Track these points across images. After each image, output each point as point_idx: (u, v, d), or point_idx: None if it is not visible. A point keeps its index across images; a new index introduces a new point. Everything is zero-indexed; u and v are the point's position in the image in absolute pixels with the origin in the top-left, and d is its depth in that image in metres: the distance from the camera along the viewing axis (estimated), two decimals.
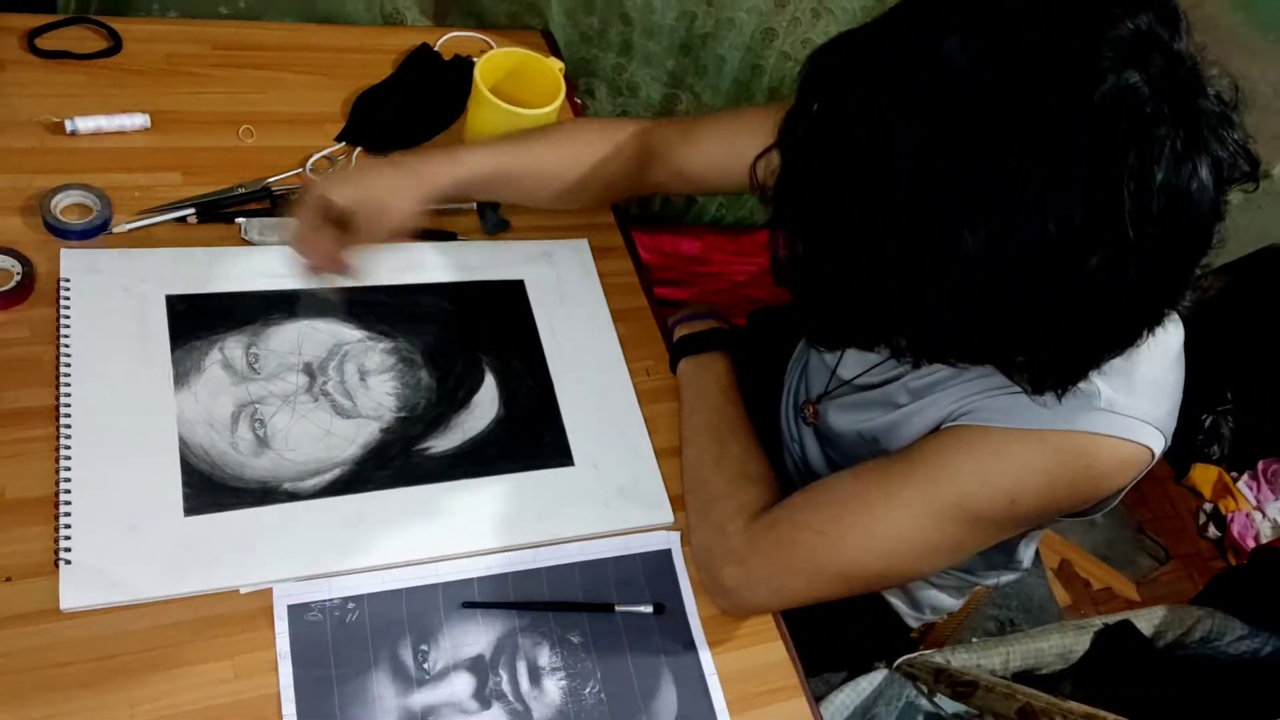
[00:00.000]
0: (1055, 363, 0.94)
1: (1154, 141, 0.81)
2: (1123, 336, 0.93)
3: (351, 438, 1.23)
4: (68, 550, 1.06)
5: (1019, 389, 1.02)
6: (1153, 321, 0.92)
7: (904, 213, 0.86)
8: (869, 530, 1.12)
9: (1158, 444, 1.05)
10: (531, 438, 1.31)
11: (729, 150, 1.38)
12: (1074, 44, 0.82)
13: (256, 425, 1.21)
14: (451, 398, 1.31)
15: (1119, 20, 0.82)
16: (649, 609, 1.20)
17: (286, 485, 1.17)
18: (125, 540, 1.09)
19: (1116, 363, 1.01)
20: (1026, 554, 1.47)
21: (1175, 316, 1.10)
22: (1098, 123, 0.80)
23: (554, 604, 1.18)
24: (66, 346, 1.19)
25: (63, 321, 1.20)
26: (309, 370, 1.27)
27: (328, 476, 1.20)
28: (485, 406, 1.31)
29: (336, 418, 1.24)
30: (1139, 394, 1.05)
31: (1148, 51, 0.82)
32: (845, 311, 0.98)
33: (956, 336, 0.93)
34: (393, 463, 1.23)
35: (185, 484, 1.14)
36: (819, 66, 0.93)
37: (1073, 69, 0.81)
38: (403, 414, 1.27)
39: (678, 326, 1.47)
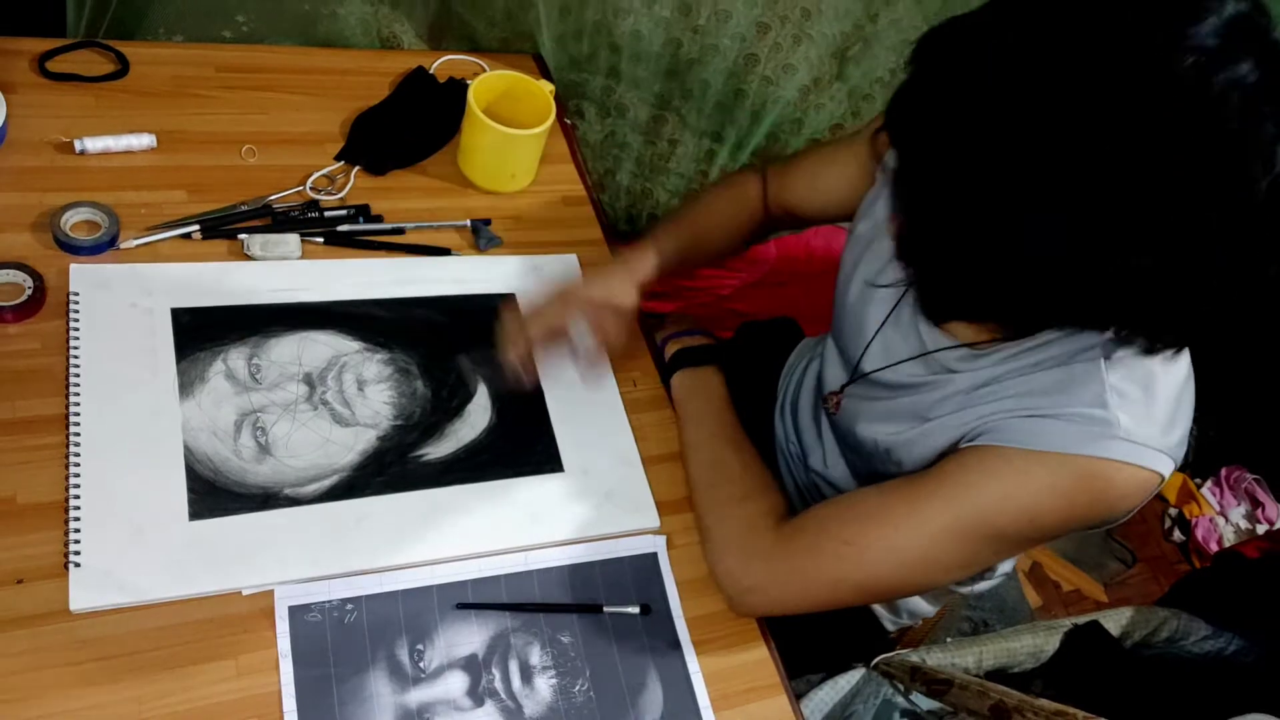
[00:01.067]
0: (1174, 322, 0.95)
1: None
2: (1229, 302, 0.93)
3: (350, 445, 1.24)
4: (77, 554, 1.06)
5: (1042, 412, 1.07)
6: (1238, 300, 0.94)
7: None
8: (892, 544, 1.13)
9: (1167, 469, 1.06)
10: (523, 445, 1.32)
11: (811, 185, 1.48)
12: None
13: (258, 433, 1.21)
14: (446, 407, 1.31)
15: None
16: (635, 610, 1.21)
17: (287, 491, 1.18)
18: (132, 544, 1.09)
19: (1133, 393, 1.05)
20: (1005, 564, 1.49)
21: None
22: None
23: (545, 605, 1.19)
24: (76, 358, 1.19)
25: (72, 334, 1.21)
26: (309, 380, 1.28)
27: (327, 482, 1.20)
28: (478, 415, 1.32)
29: (335, 426, 1.25)
30: (1155, 423, 1.06)
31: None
32: (979, 280, 0.97)
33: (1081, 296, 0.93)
34: (389, 469, 1.24)
35: (190, 489, 1.14)
36: (944, 41, 0.94)
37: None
38: (399, 422, 1.28)
39: (668, 342, 1.49)
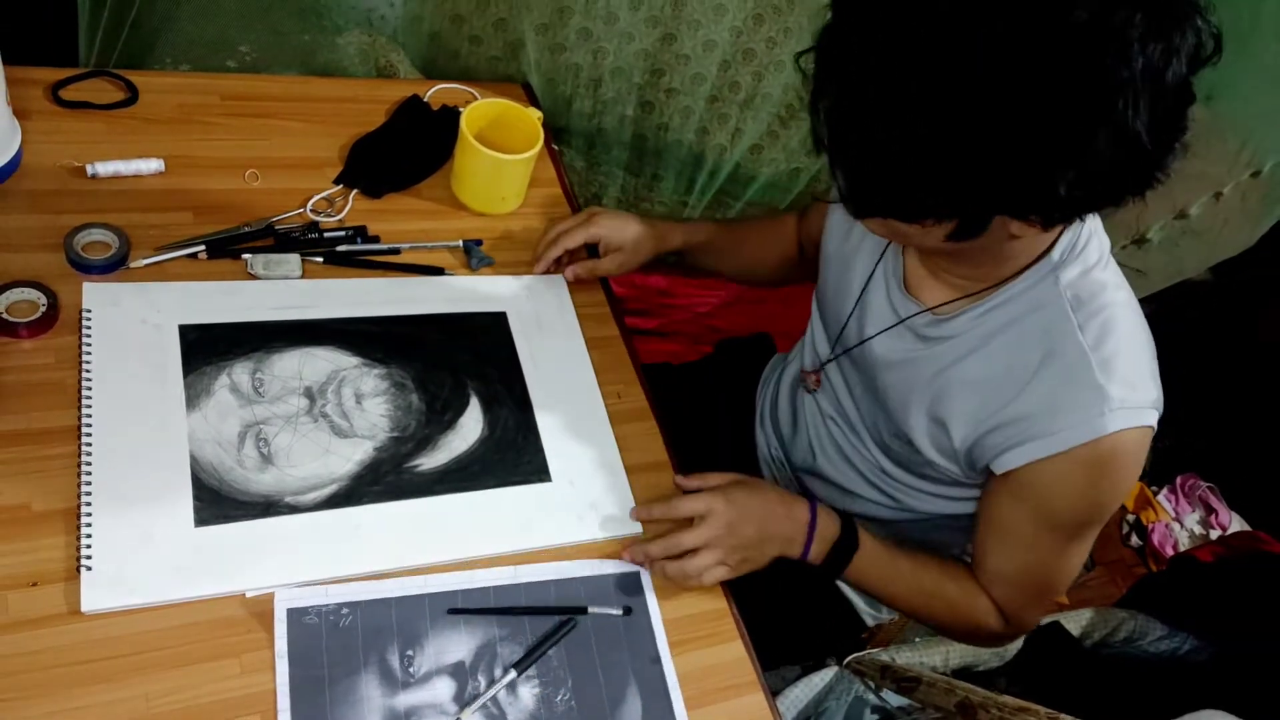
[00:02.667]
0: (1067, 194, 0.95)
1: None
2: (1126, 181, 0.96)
3: (348, 455, 1.25)
4: (88, 557, 1.07)
5: (1049, 407, 1.14)
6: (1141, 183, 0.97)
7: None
8: (1061, 571, 1.28)
9: (1154, 420, 1.15)
10: (512, 456, 1.32)
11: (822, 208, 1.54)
12: None
13: (261, 444, 1.22)
14: (439, 420, 1.32)
15: None
16: (618, 611, 1.22)
17: (288, 499, 1.19)
18: (141, 548, 1.10)
19: (1111, 357, 1.12)
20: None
21: (1126, 287, 1.19)
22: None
23: (532, 609, 1.19)
24: (88, 372, 1.20)
25: (84, 349, 1.22)
26: (309, 394, 1.28)
27: (326, 491, 1.21)
28: (470, 427, 1.33)
29: (334, 437, 1.26)
30: (1138, 387, 1.13)
31: None
32: (898, 161, 0.96)
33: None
34: (385, 479, 1.25)
35: (196, 497, 1.15)
36: None
37: None
38: (395, 434, 1.29)
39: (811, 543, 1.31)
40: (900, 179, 0.96)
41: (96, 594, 1.06)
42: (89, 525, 1.09)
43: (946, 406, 1.24)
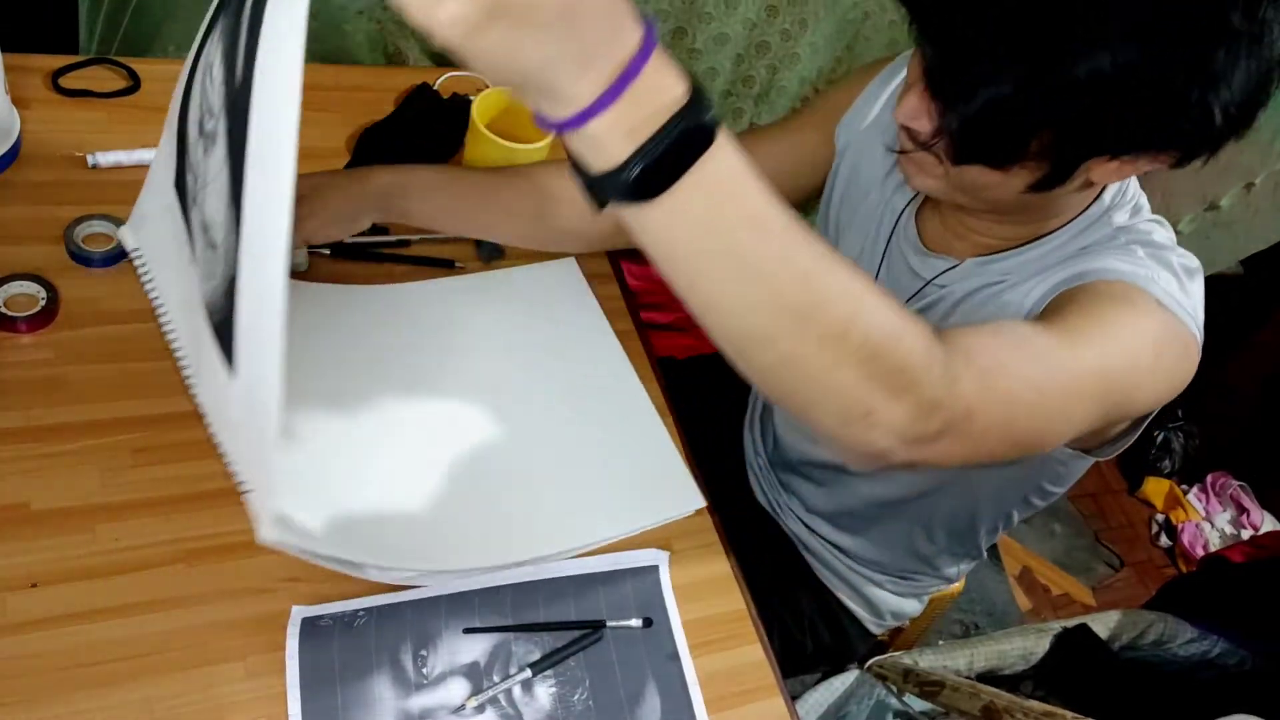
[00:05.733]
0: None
1: None
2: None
3: None
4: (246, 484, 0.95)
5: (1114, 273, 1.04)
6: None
7: None
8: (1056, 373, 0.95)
9: (1196, 332, 1.05)
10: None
11: (752, 157, 1.40)
12: None
13: None
14: None
15: None
16: (638, 623, 1.21)
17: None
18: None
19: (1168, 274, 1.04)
20: (985, 542, 1.48)
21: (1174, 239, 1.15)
22: None
23: (550, 625, 1.18)
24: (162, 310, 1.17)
25: (149, 290, 1.18)
26: None
27: None
28: None
29: None
30: (1188, 296, 1.06)
31: None
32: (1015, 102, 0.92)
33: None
34: None
35: None
36: None
37: None
38: None
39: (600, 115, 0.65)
40: (1038, 114, 0.93)
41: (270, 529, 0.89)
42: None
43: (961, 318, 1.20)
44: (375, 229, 1.46)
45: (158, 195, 1.13)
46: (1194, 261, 1.11)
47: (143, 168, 1.41)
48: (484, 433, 1.30)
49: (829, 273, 0.72)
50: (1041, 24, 0.88)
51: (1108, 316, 1.00)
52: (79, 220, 1.31)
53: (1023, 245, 1.17)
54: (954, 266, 1.22)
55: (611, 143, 0.65)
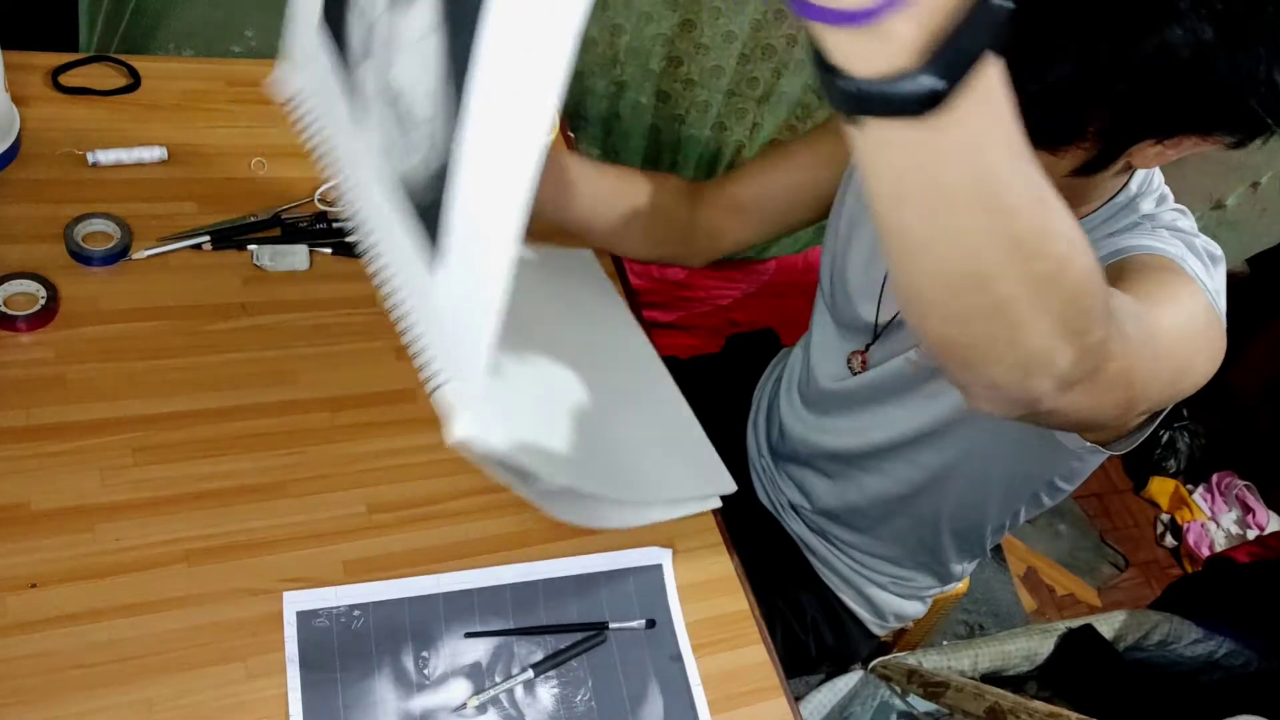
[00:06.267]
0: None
1: None
2: None
3: None
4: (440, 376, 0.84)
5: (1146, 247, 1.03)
6: None
7: None
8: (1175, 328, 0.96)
9: (1220, 308, 1.04)
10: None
11: (764, 178, 1.41)
12: None
13: None
14: None
15: None
16: (640, 624, 1.20)
17: None
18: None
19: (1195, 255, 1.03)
20: (991, 541, 1.48)
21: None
22: None
23: (552, 628, 1.17)
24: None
25: (315, 145, 1.04)
26: None
27: None
28: None
29: None
30: (1214, 276, 1.05)
31: None
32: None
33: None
34: None
35: None
36: None
37: None
38: None
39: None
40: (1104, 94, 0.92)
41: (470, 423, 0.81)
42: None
43: None
44: None
45: (305, 33, 1.01)
46: (1217, 250, 1.11)
47: (143, 166, 1.41)
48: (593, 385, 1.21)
49: (1057, 207, 0.65)
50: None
51: (1165, 283, 0.98)
52: (79, 219, 1.31)
53: None
54: None
55: (905, 43, 0.53)
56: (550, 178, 1.29)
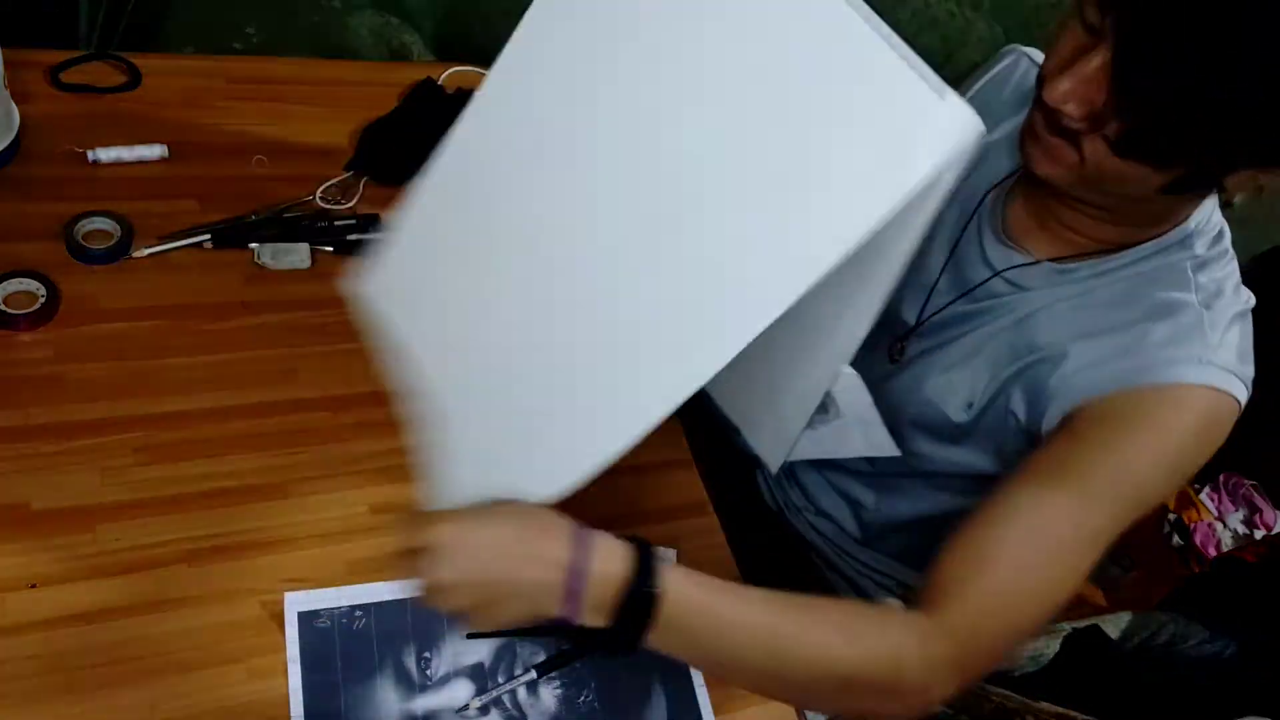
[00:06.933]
0: None
1: None
2: None
3: None
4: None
5: (1146, 339, 1.05)
6: None
7: None
8: (1065, 564, 0.99)
9: (1244, 399, 1.06)
10: None
11: None
12: None
13: None
14: None
15: None
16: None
17: None
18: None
19: (1228, 333, 1.06)
20: None
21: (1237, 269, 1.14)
22: None
23: (556, 629, 1.15)
24: None
25: None
26: None
27: None
28: None
29: None
30: (1244, 359, 1.07)
31: None
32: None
33: None
34: None
35: None
36: None
37: None
38: None
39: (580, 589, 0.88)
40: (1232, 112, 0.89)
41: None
42: None
43: (1015, 351, 1.16)
44: (377, 227, 1.46)
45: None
46: (1251, 299, 1.12)
47: (143, 164, 1.41)
48: None
49: (795, 641, 0.90)
50: (1245, 7, 0.83)
51: (1145, 450, 1.02)
52: (79, 217, 1.31)
53: (1105, 253, 1.13)
54: (1028, 264, 1.18)
55: (595, 622, 0.88)
56: None
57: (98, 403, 1.19)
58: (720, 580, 0.92)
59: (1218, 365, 1.04)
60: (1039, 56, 1.26)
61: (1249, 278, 1.15)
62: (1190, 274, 1.10)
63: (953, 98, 0.68)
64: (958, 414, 1.22)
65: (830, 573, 1.56)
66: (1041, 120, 1.01)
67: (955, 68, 1.92)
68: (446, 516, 0.89)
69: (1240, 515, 2.93)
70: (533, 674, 1.12)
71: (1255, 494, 2.95)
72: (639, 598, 0.87)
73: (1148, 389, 1.04)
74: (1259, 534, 2.88)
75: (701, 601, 0.90)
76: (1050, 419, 1.11)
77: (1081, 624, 1.74)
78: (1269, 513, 2.91)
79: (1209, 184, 0.99)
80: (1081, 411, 1.07)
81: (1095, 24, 0.92)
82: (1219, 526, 2.90)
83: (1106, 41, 0.91)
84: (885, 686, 0.91)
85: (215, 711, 1.03)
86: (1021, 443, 1.17)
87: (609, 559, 0.88)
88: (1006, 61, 1.28)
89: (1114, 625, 1.79)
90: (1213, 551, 2.84)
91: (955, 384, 1.23)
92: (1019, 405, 1.15)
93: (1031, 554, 0.98)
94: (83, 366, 1.22)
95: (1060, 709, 1.34)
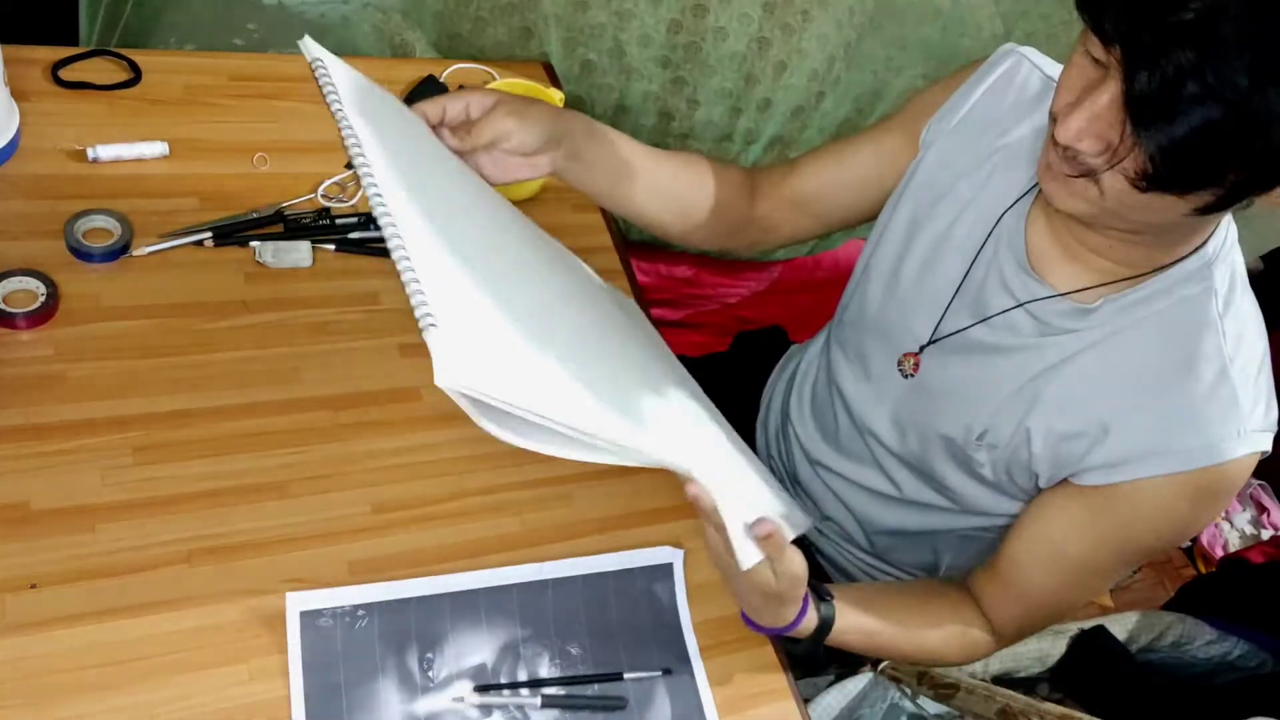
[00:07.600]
0: None
1: None
2: None
3: None
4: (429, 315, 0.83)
5: (1172, 417, 1.08)
6: None
7: None
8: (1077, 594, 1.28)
9: (1269, 445, 1.10)
10: None
11: (839, 167, 1.38)
12: None
13: None
14: None
15: None
16: (658, 674, 1.18)
17: None
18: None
19: (1254, 381, 1.09)
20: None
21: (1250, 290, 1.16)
22: None
23: (565, 679, 1.15)
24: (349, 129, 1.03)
25: (330, 101, 1.04)
26: None
27: None
28: None
29: None
30: (1270, 407, 1.10)
31: None
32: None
33: None
34: None
35: None
36: None
37: None
38: None
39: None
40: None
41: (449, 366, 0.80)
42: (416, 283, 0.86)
43: (1041, 405, 1.16)
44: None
45: None
46: (1262, 332, 1.13)
47: (144, 162, 1.41)
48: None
49: (913, 650, 1.32)
50: (1260, 38, 0.82)
51: (1182, 519, 1.14)
52: (79, 215, 1.31)
53: (1129, 280, 1.12)
54: (1051, 297, 1.16)
55: (799, 635, 1.19)
56: (610, 168, 1.27)
57: (98, 401, 1.19)
58: (865, 616, 1.24)
59: (1254, 429, 1.07)
60: (1037, 57, 1.24)
61: (1257, 277, 1.15)
62: (1217, 318, 1.09)
63: None
64: (969, 443, 1.24)
65: (835, 572, 1.56)
66: (1058, 159, 0.99)
67: (955, 58, 1.91)
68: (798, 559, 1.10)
69: (1247, 515, 2.92)
70: (538, 699, 1.11)
71: (1263, 494, 2.95)
72: (820, 635, 1.21)
73: (1194, 473, 1.08)
74: (1266, 534, 2.87)
75: (858, 623, 1.24)
76: (1085, 480, 1.15)
77: (1088, 624, 1.74)
78: (1276, 513, 2.91)
79: (1234, 204, 0.96)
80: (1119, 489, 1.13)
81: (1101, 58, 0.91)
82: (1226, 526, 2.89)
83: (1115, 75, 0.89)
84: (965, 662, 1.40)
85: (216, 712, 1.03)
86: (1032, 484, 1.23)
87: (812, 615, 1.18)
88: (1005, 66, 1.25)
89: (1121, 626, 1.79)
90: (1220, 552, 2.84)
91: (971, 413, 1.23)
92: (1042, 465, 1.19)
93: (1070, 592, 1.27)
94: (83, 365, 1.22)
95: (1065, 709, 1.34)
